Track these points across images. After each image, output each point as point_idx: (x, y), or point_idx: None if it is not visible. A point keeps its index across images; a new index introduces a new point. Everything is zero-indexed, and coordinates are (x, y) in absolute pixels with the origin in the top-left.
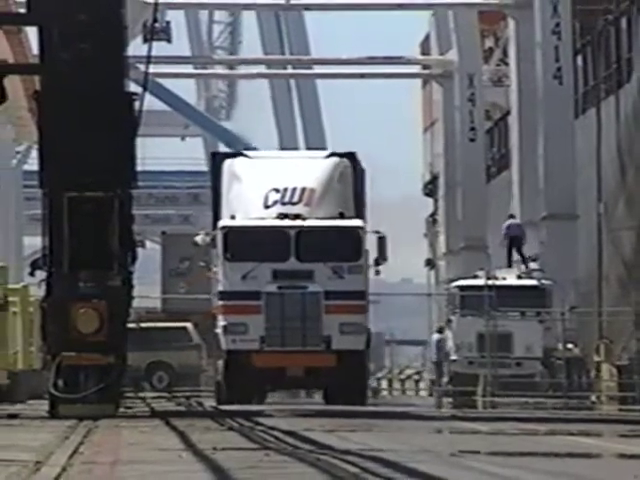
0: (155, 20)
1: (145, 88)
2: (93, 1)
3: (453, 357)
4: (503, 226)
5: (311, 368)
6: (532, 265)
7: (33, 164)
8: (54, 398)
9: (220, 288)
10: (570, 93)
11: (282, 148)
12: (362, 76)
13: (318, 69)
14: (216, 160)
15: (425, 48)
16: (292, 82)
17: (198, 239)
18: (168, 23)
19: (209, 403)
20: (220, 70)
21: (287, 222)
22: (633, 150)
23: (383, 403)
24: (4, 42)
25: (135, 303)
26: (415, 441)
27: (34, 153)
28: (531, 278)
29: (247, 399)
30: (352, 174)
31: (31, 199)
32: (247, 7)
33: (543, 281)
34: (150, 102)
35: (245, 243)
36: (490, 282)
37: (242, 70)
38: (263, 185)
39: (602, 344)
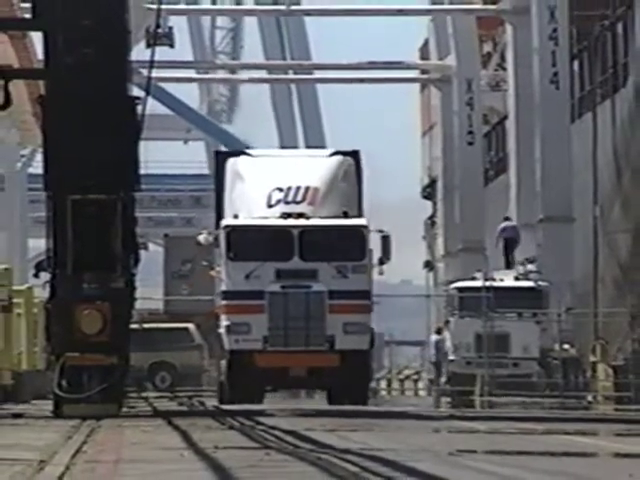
0: (158, 25)
1: (148, 92)
2: (97, 7)
3: (451, 357)
4: (498, 228)
5: (314, 368)
6: (529, 267)
7: (38, 167)
8: (58, 398)
9: (223, 288)
10: (567, 98)
11: None
12: (362, 81)
13: (318, 74)
14: (219, 159)
15: (424, 53)
16: (293, 86)
17: (201, 238)
18: (171, 28)
19: (211, 403)
20: (222, 75)
21: (290, 221)
22: (629, 154)
23: (382, 403)
24: (9, 47)
25: (138, 304)
26: (414, 440)
27: (39, 156)
28: (528, 280)
29: (250, 399)
30: (356, 173)
31: (35, 202)
32: (249, 13)
33: (540, 283)
34: (153, 106)
35: (248, 242)
36: (488, 284)
37: (244, 75)
38: (266, 184)
39: (598, 345)
